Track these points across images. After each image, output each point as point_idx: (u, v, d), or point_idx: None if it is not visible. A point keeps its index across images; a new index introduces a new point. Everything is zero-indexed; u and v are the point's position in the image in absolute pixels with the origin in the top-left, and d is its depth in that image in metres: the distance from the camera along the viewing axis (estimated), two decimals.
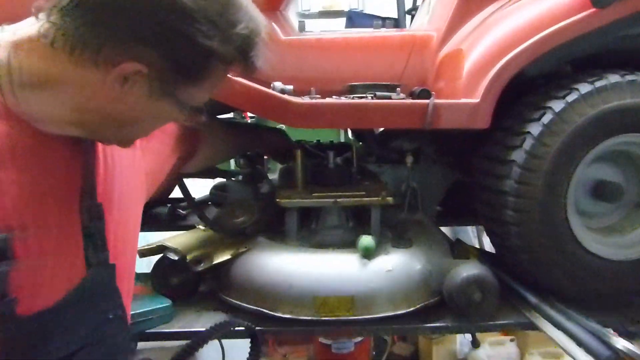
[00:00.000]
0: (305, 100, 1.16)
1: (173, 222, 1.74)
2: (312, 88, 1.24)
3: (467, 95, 1.16)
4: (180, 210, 1.76)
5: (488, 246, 2.81)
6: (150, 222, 1.72)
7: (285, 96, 1.15)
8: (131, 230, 0.90)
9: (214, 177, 1.61)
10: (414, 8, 3.01)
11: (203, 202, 1.68)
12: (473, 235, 2.93)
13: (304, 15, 4.32)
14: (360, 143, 1.79)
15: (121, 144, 0.81)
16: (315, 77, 1.39)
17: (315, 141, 1.76)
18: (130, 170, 0.91)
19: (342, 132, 2.88)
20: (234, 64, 0.75)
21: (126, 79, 0.68)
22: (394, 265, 1.13)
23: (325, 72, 1.42)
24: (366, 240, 1.14)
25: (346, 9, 4.14)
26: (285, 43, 1.42)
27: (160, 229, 1.75)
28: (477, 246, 2.84)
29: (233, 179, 1.55)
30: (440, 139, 1.43)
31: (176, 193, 1.81)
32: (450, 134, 1.27)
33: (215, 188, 1.59)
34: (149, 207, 1.80)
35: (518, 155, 1.12)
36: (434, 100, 1.13)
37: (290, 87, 1.20)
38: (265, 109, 1.16)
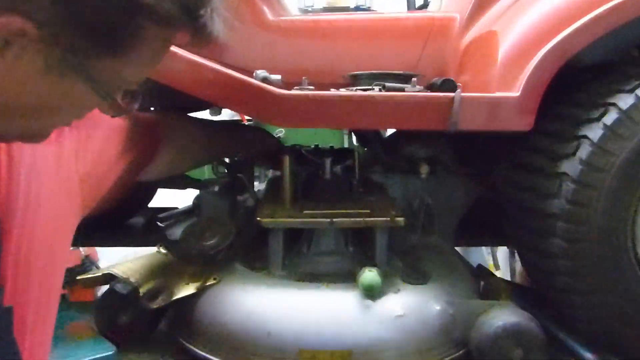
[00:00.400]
0: (293, 92, 0.98)
1: (150, 236, 1.52)
2: (304, 78, 1.06)
3: (503, 88, 0.99)
4: (160, 223, 1.55)
5: (503, 262, 2.61)
6: (122, 235, 1.57)
7: (267, 86, 0.96)
8: (48, 255, 0.69)
9: (183, 188, 1.40)
10: (425, 5, 2.86)
11: (186, 213, 1.47)
12: (487, 252, 2.72)
13: (307, 12, 4.20)
14: (365, 149, 1.61)
15: (23, 140, 0.60)
16: (310, 67, 1.24)
17: (312, 146, 1.58)
18: (52, 174, 0.71)
19: (345, 136, 2.75)
20: (175, 26, 0.53)
21: (7, 44, 0.47)
22: (406, 308, 0.95)
23: (323, 61, 1.27)
24: (369, 276, 0.93)
25: (352, 5, 4.01)
26: (274, 25, 1.26)
27: (133, 244, 1.58)
28: (491, 264, 2.63)
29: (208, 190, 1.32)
30: (463, 144, 1.24)
31: (156, 202, 1.64)
32: (475, 137, 1.11)
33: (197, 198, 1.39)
34: (123, 217, 1.66)
35: (570, 167, 0.94)
36: (460, 94, 0.94)
37: (278, 76, 1.03)
38: (242, 101, 0.99)
